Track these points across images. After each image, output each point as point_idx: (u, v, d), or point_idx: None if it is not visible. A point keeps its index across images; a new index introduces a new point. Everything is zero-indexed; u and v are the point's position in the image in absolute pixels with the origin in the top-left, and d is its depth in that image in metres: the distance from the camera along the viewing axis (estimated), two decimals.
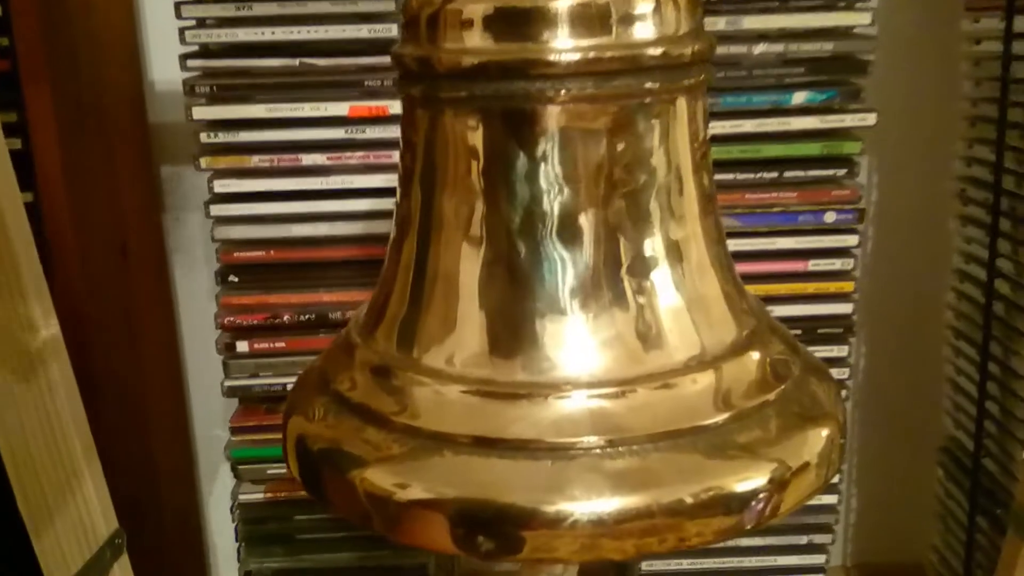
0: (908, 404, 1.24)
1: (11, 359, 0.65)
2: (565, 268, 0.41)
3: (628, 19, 0.39)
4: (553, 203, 0.40)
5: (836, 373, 0.94)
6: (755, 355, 0.45)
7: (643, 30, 0.39)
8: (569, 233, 0.41)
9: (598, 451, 0.39)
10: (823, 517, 0.99)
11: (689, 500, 0.39)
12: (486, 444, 0.40)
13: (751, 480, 0.41)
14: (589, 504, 0.39)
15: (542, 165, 0.40)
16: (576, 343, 0.41)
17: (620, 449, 0.40)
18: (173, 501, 1.16)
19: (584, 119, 0.39)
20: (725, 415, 0.42)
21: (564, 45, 0.38)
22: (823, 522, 0.99)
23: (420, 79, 0.42)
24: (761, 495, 0.41)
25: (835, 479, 0.98)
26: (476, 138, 0.41)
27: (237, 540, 0.97)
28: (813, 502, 0.98)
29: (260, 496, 0.95)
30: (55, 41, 0.88)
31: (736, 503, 0.40)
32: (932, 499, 1.19)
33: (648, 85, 0.39)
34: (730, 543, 0.99)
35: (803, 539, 0.99)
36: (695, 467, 0.40)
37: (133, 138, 1.11)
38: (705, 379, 0.42)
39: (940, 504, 1.17)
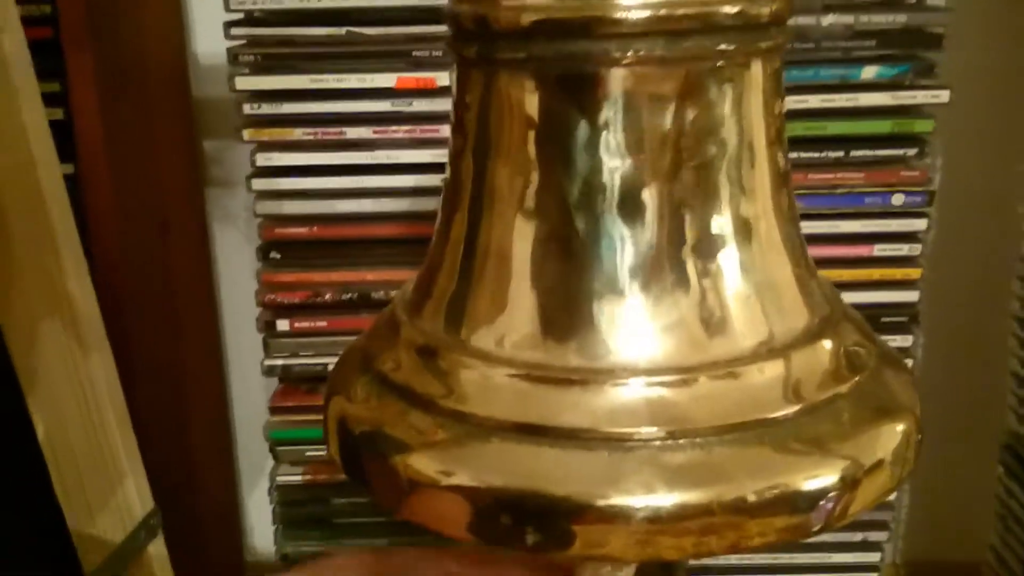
0: (969, 398, 1.22)
1: (48, 336, 0.64)
2: (625, 246, 0.38)
3: None
4: (614, 175, 0.38)
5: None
6: (828, 344, 0.42)
7: None
8: (631, 208, 0.38)
9: (657, 443, 0.37)
10: (879, 514, 0.97)
11: (753, 498, 0.37)
12: (537, 432, 0.38)
13: (820, 478, 0.38)
14: (646, 499, 0.36)
15: (604, 134, 0.38)
16: (635, 327, 0.38)
17: (680, 442, 0.37)
18: (211, 482, 1.16)
19: (651, 83, 0.37)
20: (795, 408, 0.39)
21: (632, 2, 0.36)
22: (879, 519, 0.97)
23: (475, 38, 0.40)
24: (831, 494, 0.38)
25: None
26: (533, 103, 0.38)
27: (274, 522, 0.97)
28: None
29: (299, 478, 0.95)
30: (97, 8, 0.87)
31: (803, 502, 0.38)
32: (991, 497, 1.17)
33: (722, 47, 0.36)
34: None
35: (858, 536, 0.97)
36: (760, 463, 0.38)
37: (176, 111, 1.10)
38: (774, 369, 0.40)
39: (1000, 503, 1.15)
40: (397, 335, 0.45)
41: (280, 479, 0.94)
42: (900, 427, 0.42)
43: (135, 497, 0.72)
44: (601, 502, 0.37)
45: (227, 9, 0.84)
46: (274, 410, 0.93)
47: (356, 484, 0.44)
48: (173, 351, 1.08)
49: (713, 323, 0.39)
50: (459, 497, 0.38)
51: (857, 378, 0.42)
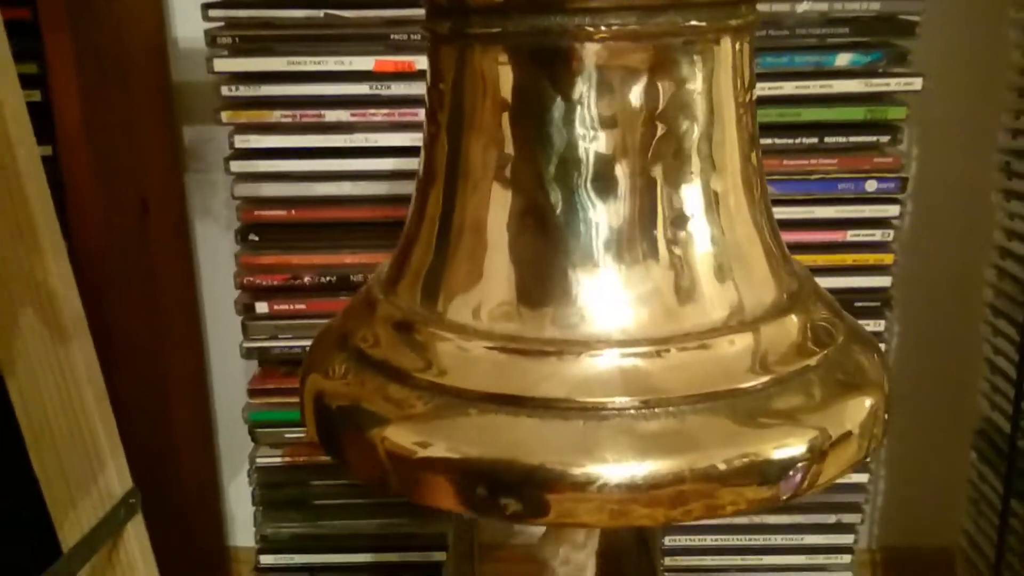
0: (942, 384, 1.24)
1: (26, 316, 0.64)
2: (599, 219, 0.39)
3: None
4: (588, 149, 0.38)
5: None
6: (796, 318, 0.43)
7: None
8: (604, 182, 0.39)
9: (631, 412, 0.38)
10: (853, 496, 0.98)
11: (723, 466, 0.38)
12: (513, 402, 0.38)
13: (789, 448, 0.39)
14: (620, 467, 0.37)
15: (577, 108, 0.38)
16: (609, 298, 0.39)
17: (654, 411, 0.38)
18: (192, 465, 1.16)
19: (624, 58, 0.37)
20: (764, 379, 0.40)
21: None
22: (853, 501, 0.98)
23: (449, 14, 0.40)
24: (799, 464, 0.39)
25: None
26: (507, 78, 0.39)
27: (254, 504, 0.97)
28: (843, 480, 0.97)
29: (278, 460, 0.95)
30: None
31: (773, 471, 0.39)
32: (963, 483, 1.18)
33: (693, 22, 0.37)
34: (756, 520, 0.98)
35: (832, 518, 0.98)
36: (731, 432, 0.39)
37: (155, 93, 1.10)
38: (743, 340, 0.40)
39: (973, 488, 1.16)
40: (373, 312, 0.45)
41: (260, 461, 0.94)
42: (868, 401, 0.43)
43: (114, 477, 0.72)
44: (576, 470, 0.37)
45: None
46: (253, 392, 0.93)
47: (335, 460, 0.44)
48: (153, 333, 1.08)
49: (685, 295, 0.39)
50: (436, 468, 0.39)
51: (825, 352, 0.43)
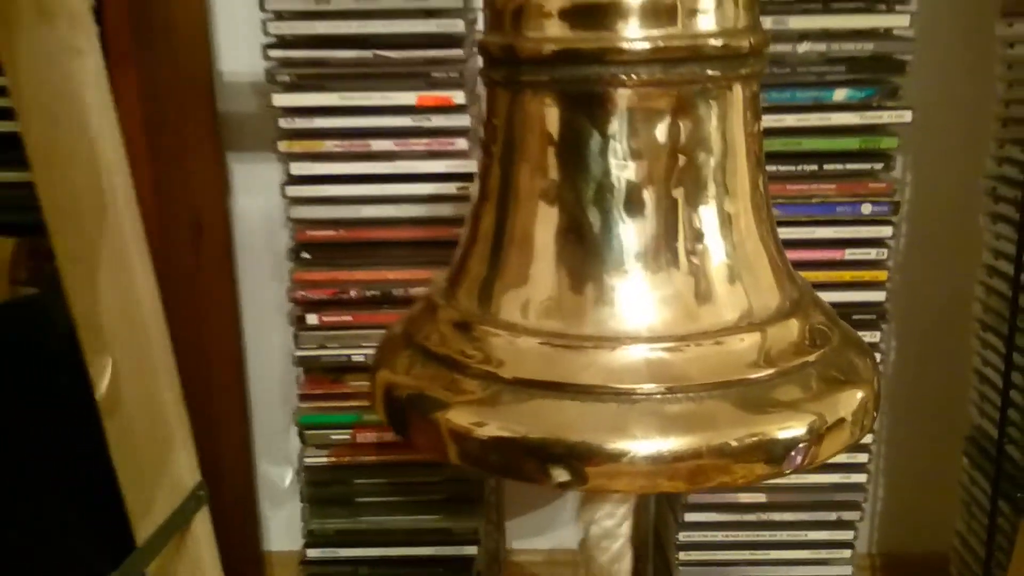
0: (936, 395, 1.26)
1: (119, 327, 0.70)
2: (630, 234, 0.45)
3: (692, 12, 0.43)
4: (620, 176, 0.45)
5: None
6: (797, 322, 0.49)
7: (706, 22, 0.43)
8: (634, 204, 0.45)
9: (657, 397, 0.44)
10: (852, 495, 1.02)
11: (735, 444, 0.44)
12: (556, 388, 0.44)
13: (791, 430, 0.45)
14: (647, 443, 0.43)
15: (611, 142, 0.44)
16: (638, 301, 0.45)
17: (676, 396, 0.44)
18: (231, 470, 1.20)
19: (651, 101, 0.44)
20: (769, 372, 0.46)
21: (635, 35, 0.43)
22: (853, 500, 1.02)
23: (504, 65, 0.47)
24: (800, 444, 0.45)
25: (865, 459, 1.02)
26: (553, 117, 0.45)
27: (301, 501, 1.02)
28: (843, 480, 1.01)
29: (324, 460, 1.00)
30: (138, 32, 0.93)
31: (778, 449, 0.44)
32: (958, 488, 1.20)
33: (709, 72, 0.43)
34: (764, 517, 1.02)
35: (833, 515, 1.02)
36: (741, 416, 0.45)
37: (205, 122, 1.16)
38: (752, 339, 0.46)
39: (965, 492, 1.18)
40: (435, 315, 0.51)
41: (308, 460, 1.00)
42: (860, 394, 0.49)
43: (186, 470, 0.76)
44: (610, 445, 0.43)
45: (265, 33, 0.90)
46: (303, 397, 0.98)
47: (402, 439, 0.50)
48: (199, 344, 1.13)
49: (701, 299, 0.46)
50: (492, 444, 0.45)
51: (823, 351, 0.49)
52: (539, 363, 0.45)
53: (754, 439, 0.44)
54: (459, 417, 0.46)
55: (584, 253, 0.46)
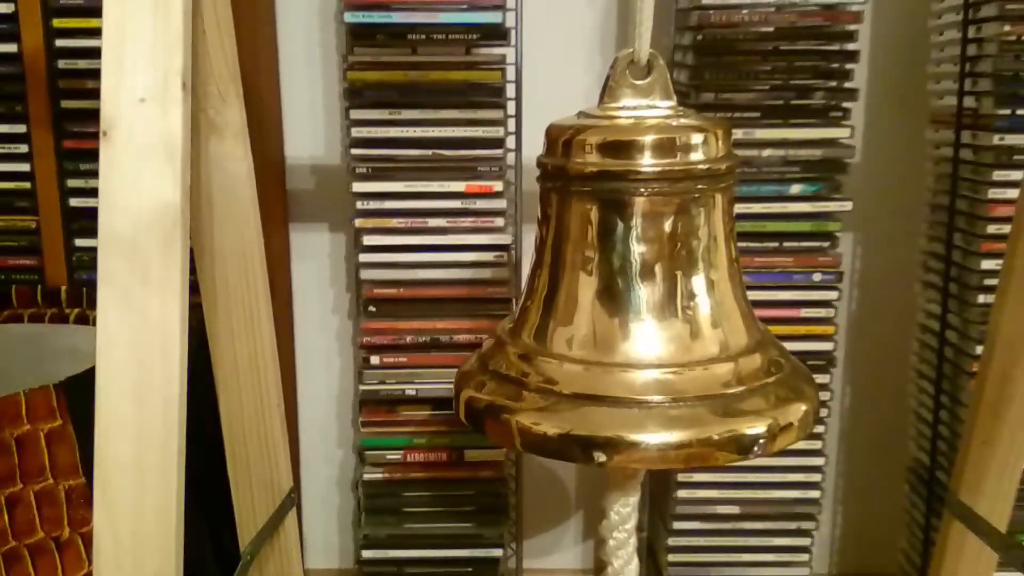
0: (884, 432, 1.38)
1: (245, 353, 0.80)
2: (644, 295, 0.62)
3: (687, 147, 0.61)
4: (638, 255, 0.62)
5: (821, 395, 1.13)
6: (760, 356, 0.65)
7: (696, 154, 0.61)
8: (647, 274, 0.62)
9: (664, 405, 0.60)
10: (809, 508, 1.17)
11: (716, 437, 0.60)
12: (594, 399, 0.61)
13: (755, 428, 0.61)
14: (656, 436, 0.59)
15: (632, 232, 0.62)
16: (650, 339, 0.62)
17: (677, 404, 0.60)
18: None
19: (659, 206, 0.61)
20: (740, 389, 0.62)
21: (648, 163, 0.60)
22: (809, 512, 1.17)
23: (557, 178, 0.64)
24: (761, 439, 0.61)
25: (819, 479, 1.16)
26: (592, 214, 0.62)
27: (359, 510, 1.17)
28: (800, 495, 1.17)
29: (379, 476, 1.15)
30: None
31: (745, 442, 0.60)
32: (902, 512, 1.32)
33: (699, 187, 0.61)
34: (737, 526, 1.17)
35: (793, 525, 1.17)
36: (721, 419, 0.61)
37: (278, 199, 1.31)
38: (729, 366, 0.63)
39: (907, 515, 1.31)
40: (504, 349, 0.68)
41: (366, 476, 1.15)
42: (804, 407, 0.65)
43: (284, 474, 0.87)
44: (631, 438, 0.59)
45: (348, 135, 1.07)
46: (364, 423, 1.14)
47: (480, 434, 0.66)
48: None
49: (694, 338, 0.62)
50: (552, 438, 0.60)
51: (778, 376, 0.65)
52: (581, 381, 0.62)
53: (729, 434, 0.60)
54: (524, 419, 0.62)
55: (613, 306, 0.62)
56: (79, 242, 1.14)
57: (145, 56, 0.59)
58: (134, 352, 0.59)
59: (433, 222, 1.08)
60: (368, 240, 1.08)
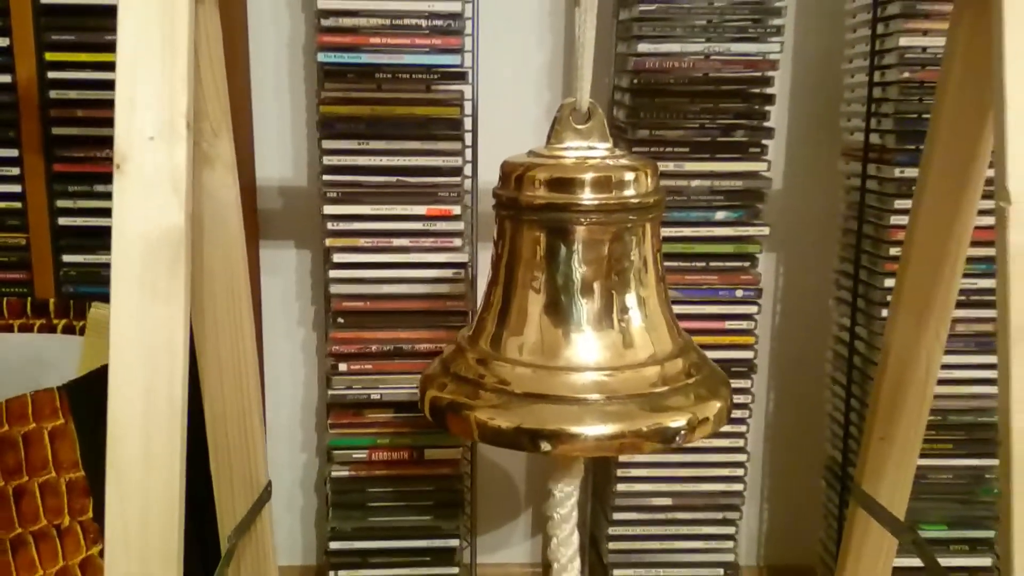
0: (803, 435, 1.47)
1: (231, 359, 0.85)
2: (584, 308, 0.70)
3: (621, 184, 0.70)
4: (579, 275, 0.70)
5: (741, 399, 1.22)
6: (682, 360, 0.74)
7: (629, 189, 0.70)
8: (588, 290, 0.70)
9: (600, 402, 0.68)
10: (733, 500, 1.26)
11: (645, 429, 0.68)
12: (542, 397, 0.69)
13: (677, 422, 0.69)
14: (594, 429, 0.67)
15: (574, 254, 0.70)
16: (590, 347, 0.70)
17: (612, 402, 0.68)
18: None
19: (597, 233, 0.69)
20: (664, 388, 0.70)
21: (588, 197, 0.69)
22: (732, 503, 1.26)
23: (510, 207, 0.72)
24: (682, 431, 0.69)
25: (741, 472, 1.26)
26: (540, 240, 0.70)
27: (328, 505, 1.23)
28: (725, 489, 1.25)
29: (346, 473, 1.22)
30: None
31: (669, 433, 0.69)
32: (820, 507, 1.40)
33: (631, 218, 0.69)
34: (670, 516, 1.25)
35: (719, 515, 1.26)
36: (648, 413, 0.69)
37: (249, 219, 1.37)
38: (655, 369, 0.71)
39: (824, 508, 1.40)
40: (463, 354, 0.76)
41: (334, 474, 1.22)
42: (718, 404, 0.73)
43: (261, 469, 0.91)
44: (573, 430, 0.67)
45: (320, 163, 1.14)
46: (332, 425, 1.21)
47: (442, 430, 0.73)
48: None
49: (627, 346, 0.71)
50: (504, 430, 0.68)
51: (697, 378, 0.74)
52: (530, 382, 0.69)
53: (655, 427, 0.68)
54: (482, 414, 0.70)
55: (558, 318, 0.71)
56: (66, 258, 1.19)
57: (154, 98, 0.66)
58: (143, 356, 0.66)
59: (397, 242, 1.15)
60: (338, 258, 1.15)
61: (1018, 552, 0.66)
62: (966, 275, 0.95)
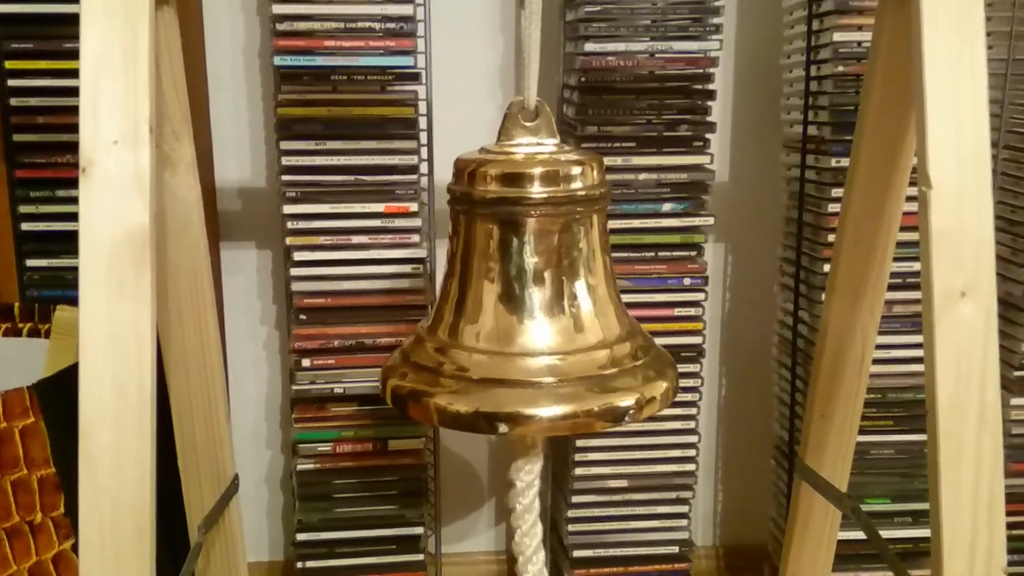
0: (753, 416, 1.51)
1: (195, 351, 0.86)
2: (537, 296, 0.73)
3: (568, 178, 0.72)
4: (531, 264, 0.73)
5: (691, 382, 1.26)
6: (630, 344, 0.77)
7: (576, 182, 0.73)
8: (539, 279, 0.73)
9: (553, 384, 0.71)
10: (686, 480, 1.30)
11: (596, 409, 0.71)
12: (498, 382, 0.71)
13: (626, 401, 0.72)
14: (548, 410, 0.69)
15: (526, 245, 0.73)
16: (542, 332, 0.73)
17: (564, 384, 0.71)
18: None
19: (547, 224, 0.72)
20: (613, 370, 0.73)
21: (537, 190, 0.71)
22: (685, 483, 1.30)
23: (464, 202, 0.75)
24: (631, 410, 0.72)
25: (693, 453, 1.29)
26: (493, 230, 0.73)
27: (295, 497, 1.25)
28: (678, 469, 1.29)
29: (311, 466, 1.24)
30: None
31: (619, 412, 0.72)
32: (771, 487, 1.44)
33: (579, 209, 0.72)
34: (627, 497, 1.29)
35: (673, 495, 1.29)
36: (599, 394, 0.71)
37: (209, 220, 1.38)
38: (604, 352, 0.74)
39: (774, 486, 1.44)
40: (423, 344, 0.78)
41: (300, 467, 1.23)
42: (664, 384, 0.76)
43: (228, 462, 0.92)
44: (528, 412, 0.70)
45: (279, 163, 1.16)
46: (297, 419, 1.22)
47: (404, 417, 0.76)
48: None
49: (577, 330, 0.74)
50: (462, 414, 0.71)
51: (644, 360, 0.77)
52: (487, 368, 0.72)
53: (606, 407, 0.70)
54: (441, 400, 0.72)
55: (512, 307, 0.73)
56: (30, 263, 1.20)
57: (117, 104, 0.68)
58: (112, 352, 0.67)
59: (356, 239, 1.17)
60: (298, 256, 1.17)
61: (947, 518, 0.71)
62: (901, 258, 0.99)
